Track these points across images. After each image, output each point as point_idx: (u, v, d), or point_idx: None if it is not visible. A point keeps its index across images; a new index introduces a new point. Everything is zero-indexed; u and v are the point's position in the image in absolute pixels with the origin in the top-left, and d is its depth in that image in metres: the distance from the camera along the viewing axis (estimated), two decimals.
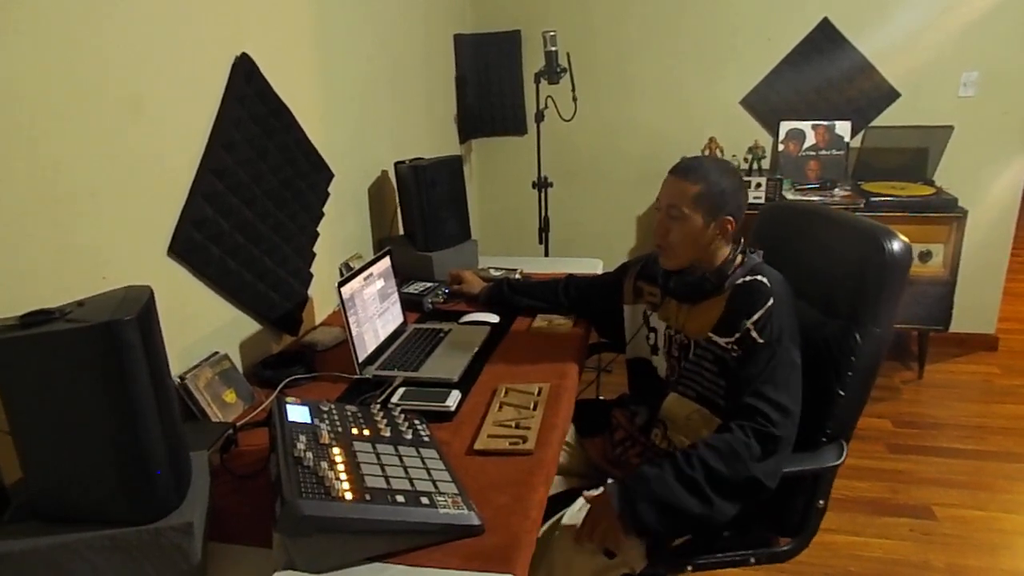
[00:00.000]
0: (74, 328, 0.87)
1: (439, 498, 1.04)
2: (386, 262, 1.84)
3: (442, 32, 3.11)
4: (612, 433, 1.63)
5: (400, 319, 1.86)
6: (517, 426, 1.33)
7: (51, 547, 0.90)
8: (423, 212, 2.23)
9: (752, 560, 1.45)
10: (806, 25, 3.19)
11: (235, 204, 1.61)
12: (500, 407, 1.41)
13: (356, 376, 1.58)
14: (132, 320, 0.89)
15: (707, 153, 3.35)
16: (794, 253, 1.56)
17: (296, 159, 1.85)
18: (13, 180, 1.10)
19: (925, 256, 2.96)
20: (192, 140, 1.50)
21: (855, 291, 1.38)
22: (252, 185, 1.67)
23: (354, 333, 1.58)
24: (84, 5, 1.21)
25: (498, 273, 2.21)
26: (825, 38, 3.18)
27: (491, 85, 3.50)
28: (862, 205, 2.97)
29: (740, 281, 1.38)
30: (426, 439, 1.25)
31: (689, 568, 1.41)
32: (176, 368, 1.40)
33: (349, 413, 1.25)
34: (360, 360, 1.59)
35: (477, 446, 1.27)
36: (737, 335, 1.34)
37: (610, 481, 1.31)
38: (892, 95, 3.19)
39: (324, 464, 1.01)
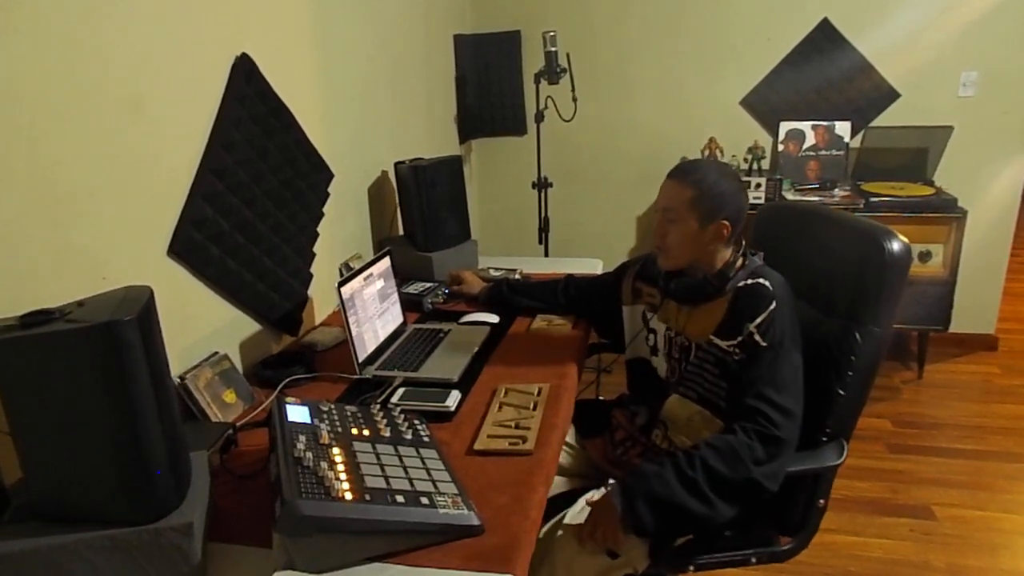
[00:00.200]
0: (74, 328, 0.87)
1: (439, 498, 1.04)
2: (386, 262, 1.84)
3: (442, 32, 3.11)
4: (612, 433, 1.63)
5: (400, 319, 1.86)
6: (517, 426, 1.33)
7: (51, 547, 0.90)
8: (423, 212, 2.23)
9: (753, 560, 1.45)
10: (806, 25, 3.19)
11: (235, 204, 1.61)
12: (500, 407, 1.41)
13: (356, 376, 1.58)
14: (132, 320, 0.89)
15: (707, 153, 3.35)
16: (794, 253, 1.56)
17: (296, 159, 1.85)
18: (13, 180, 1.10)
19: (925, 256, 2.96)
20: (192, 140, 1.50)
21: (855, 291, 1.39)
22: (252, 185, 1.67)
23: (354, 333, 1.58)
24: (84, 5, 1.21)
25: (498, 273, 2.21)
26: (825, 38, 3.18)
27: (491, 85, 3.50)
28: (862, 205, 2.97)
29: (742, 284, 1.38)
30: (426, 439, 1.25)
31: (691, 568, 1.41)
32: (176, 368, 1.40)
33: (349, 413, 1.25)
34: (360, 360, 1.59)
35: (477, 446, 1.27)
36: (739, 338, 1.34)
37: (612, 482, 1.31)
38: (892, 95, 3.20)
39: (324, 464, 1.01)
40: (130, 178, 1.33)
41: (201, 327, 1.56)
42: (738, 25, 3.26)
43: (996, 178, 3.18)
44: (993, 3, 2.98)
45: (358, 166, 2.28)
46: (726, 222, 1.39)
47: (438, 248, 2.26)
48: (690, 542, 1.42)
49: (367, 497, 0.98)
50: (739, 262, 1.42)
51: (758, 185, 3.12)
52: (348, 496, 0.97)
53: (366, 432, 1.19)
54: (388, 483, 1.04)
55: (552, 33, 2.81)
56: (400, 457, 1.14)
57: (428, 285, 2.15)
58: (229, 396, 1.48)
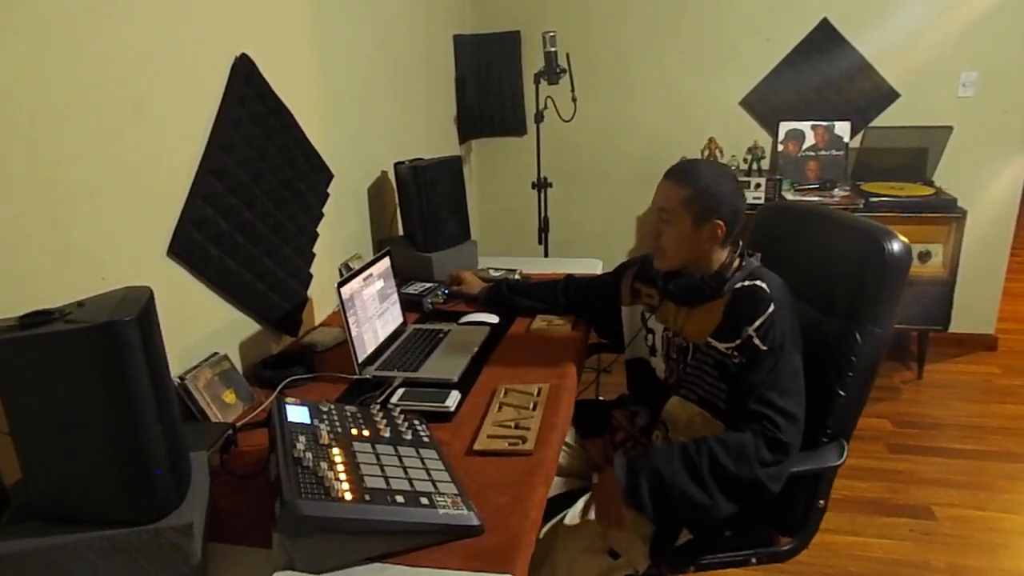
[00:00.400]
0: (74, 329, 0.87)
1: (438, 498, 1.04)
2: (386, 262, 1.84)
3: (442, 32, 3.11)
4: (613, 434, 1.63)
5: (400, 319, 1.86)
6: (517, 426, 1.33)
7: (51, 548, 0.90)
8: (423, 212, 2.23)
9: (753, 560, 1.45)
10: (806, 25, 3.20)
11: (235, 205, 1.61)
12: (499, 407, 1.41)
13: (356, 376, 1.58)
14: (132, 321, 0.89)
15: (706, 153, 3.35)
16: (793, 253, 1.56)
17: (296, 159, 1.85)
18: (13, 180, 1.10)
19: (924, 256, 2.96)
20: (192, 140, 1.50)
21: (855, 291, 1.39)
22: (252, 186, 1.67)
23: (354, 333, 1.58)
24: (84, 5, 1.21)
25: (497, 274, 2.22)
26: (824, 38, 3.19)
27: (491, 85, 3.50)
28: (861, 205, 2.97)
29: (739, 286, 1.38)
30: (426, 439, 1.25)
31: (691, 568, 1.42)
32: (176, 369, 1.40)
33: (349, 413, 1.25)
34: (360, 360, 1.59)
35: (477, 446, 1.27)
36: (738, 341, 1.33)
37: (619, 455, 1.32)
38: (891, 95, 3.20)
39: (324, 464, 1.01)
40: (130, 178, 1.33)
41: (201, 327, 1.56)
42: (738, 25, 3.26)
43: (996, 178, 3.19)
44: (993, 3, 2.99)
45: (358, 166, 2.28)
46: (720, 222, 1.38)
47: (438, 248, 2.26)
48: (690, 542, 1.42)
49: (367, 497, 0.98)
50: (736, 263, 1.41)
51: (758, 185, 3.12)
52: (348, 496, 0.97)
53: (366, 432, 1.19)
54: (388, 483, 1.04)
55: (552, 33, 2.81)
56: (400, 457, 1.14)
57: (428, 285, 2.15)
58: (229, 396, 1.48)
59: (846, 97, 3.24)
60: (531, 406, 1.41)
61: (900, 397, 3.06)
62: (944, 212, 2.93)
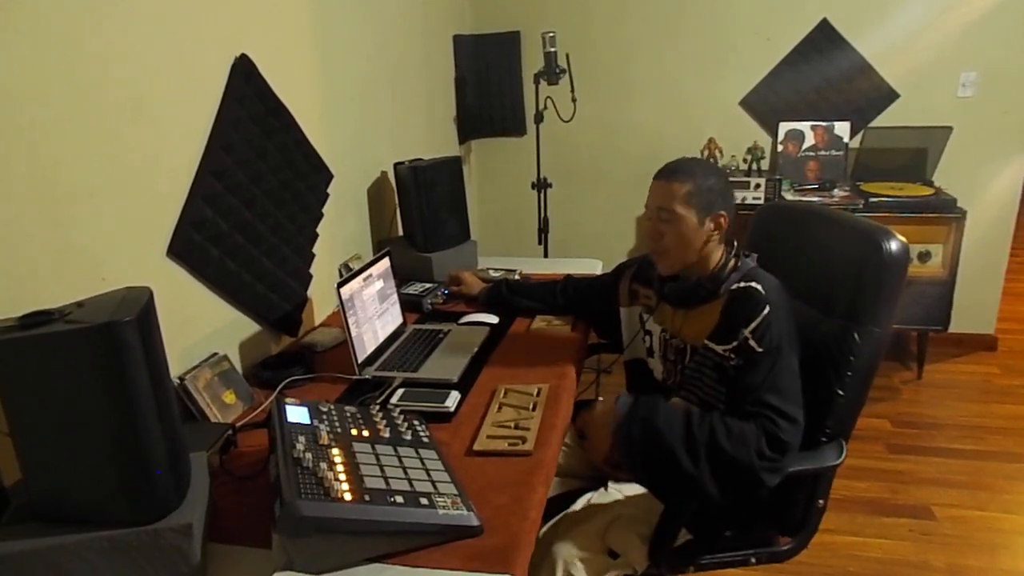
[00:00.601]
0: (73, 329, 0.87)
1: (438, 499, 1.04)
2: (385, 263, 1.84)
3: (441, 33, 3.12)
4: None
5: (399, 320, 1.86)
6: (516, 427, 1.33)
7: (51, 548, 0.90)
8: (422, 213, 2.23)
9: (753, 560, 1.45)
10: (805, 25, 3.20)
11: (234, 205, 1.61)
12: (499, 408, 1.41)
13: (355, 377, 1.58)
14: (132, 321, 0.89)
15: (706, 154, 3.36)
16: (792, 253, 1.57)
17: (295, 160, 1.85)
18: (13, 180, 1.10)
19: (924, 256, 2.96)
20: (191, 141, 1.50)
21: (854, 291, 1.38)
22: (251, 186, 1.67)
23: (353, 334, 1.58)
24: (84, 5, 1.21)
25: (497, 274, 2.22)
26: (824, 39, 3.19)
27: (490, 86, 3.50)
28: (861, 205, 2.97)
29: (735, 287, 1.37)
30: (425, 440, 1.25)
31: (691, 568, 1.41)
32: (175, 369, 1.40)
33: (348, 414, 1.25)
34: (359, 361, 1.59)
35: (476, 447, 1.27)
36: (735, 343, 1.33)
37: (623, 397, 1.34)
38: (891, 95, 3.20)
39: (323, 465, 1.01)
40: (130, 178, 1.34)
41: (201, 328, 1.56)
42: (738, 25, 3.26)
43: (995, 178, 3.19)
44: (992, 3, 2.99)
45: (357, 167, 2.28)
46: (723, 212, 1.40)
47: (437, 249, 2.26)
48: (690, 542, 1.42)
49: (366, 498, 0.98)
50: (731, 263, 1.41)
51: (757, 185, 3.12)
52: (347, 497, 0.97)
53: (365, 433, 1.19)
54: (387, 484, 1.04)
55: (551, 34, 2.81)
56: (399, 458, 1.14)
57: (427, 286, 2.15)
58: (228, 397, 1.48)
59: (846, 97, 3.24)
60: (531, 406, 1.41)
61: (900, 397, 3.06)
62: (944, 212, 2.93)
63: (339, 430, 1.17)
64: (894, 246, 1.35)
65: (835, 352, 1.38)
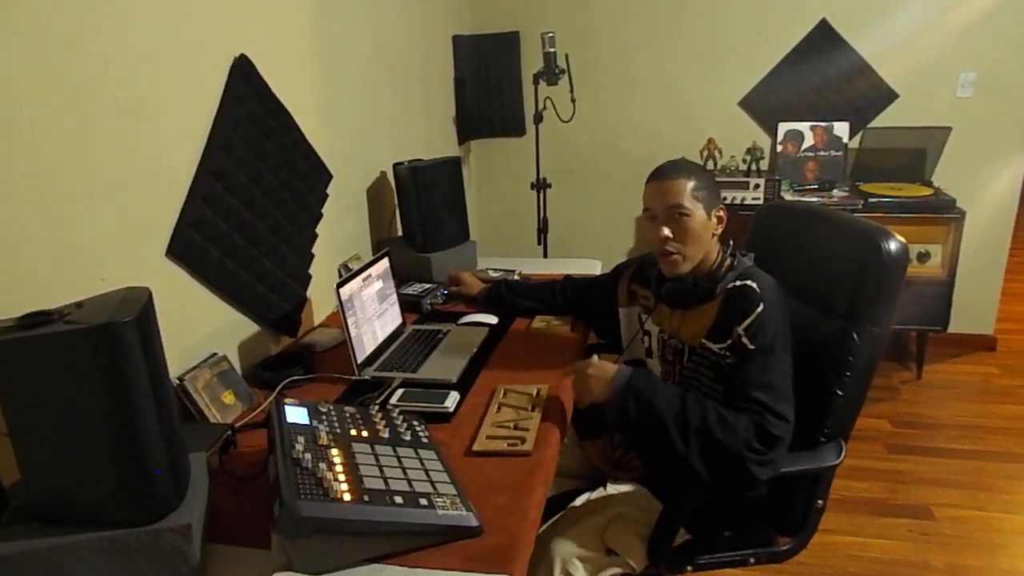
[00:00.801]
0: (73, 330, 0.87)
1: (437, 499, 1.04)
2: (385, 263, 1.84)
3: (441, 33, 3.12)
4: (612, 435, 1.63)
5: (399, 320, 1.86)
6: (516, 427, 1.33)
7: (50, 549, 0.90)
8: (422, 213, 2.23)
9: (752, 560, 1.45)
10: (805, 26, 3.20)
11: (234, 205, 1.61)
12: (499, 408, 1.41)
13: (355, 377, 1.58)
14: (131, 321, 0.89)
15: (705, 154, 3.36)
16: (792, 253, 1.57)
17: (295, 160, 1.85)
18: (13, 180, 1.10)
19: (923, 257, 2.97)
20: (191, 141, 1.50)
21: (853, 291, 1.39)
22: (251, 186, 1.67)
23: (353, 334, 1.58)
24: (84, 5, 1.21)
25: (496, 274, 2.22)
26: (824, 39, 3.19)
27: (490, 86, 3.51)
28: (860, 206, 2.97)
29: (731, 286, 1.38)
30: (424, 440, 1.25)
31: (689, 568, 1.42)
32: (175, 369, 1.40)
33: (348, 414, 1.25)
34: (359, 361, 1.59)
35: (476, 447, 1.27)
36: (729, 341, 1.33)
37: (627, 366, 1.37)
38: (890, 96, 3.20)
39: (322, 465, 1.01)
40: (129, 179, 1.34)
41: (200, 328, 1.56)
42: (737, 26, 3.26)
43: (994, 178, 3.19)
44: (992, 4, 2.99)
45: (357, 167, 2.28)
46: (722, 208, 1.43)
47: (437, 249, 2.26)
48: (689, 542, 1.42)
49: (366, 498, 0.98)
50: (728, 262, 1.42)
51: (756, 186, 3.12)
52: (347, 497, 0.97)
53: (365, 433, 1.19)
54: (387, 484, 1.04)
55: (551, 34, 2.81)
56: (399, 458, 1.14)
57: (427, 286, 2.15)
58: (228, 397, 1.48)
59: (845, 97, 3.24)
60: (530, 407, 1.41)
61: (899, 397, 3.06)
62: (943, 212, 2.93)
63: (338, 430, 1.16)
64: (893, 246, 1.35)
65: (834, 352, 1.38)
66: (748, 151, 3.32)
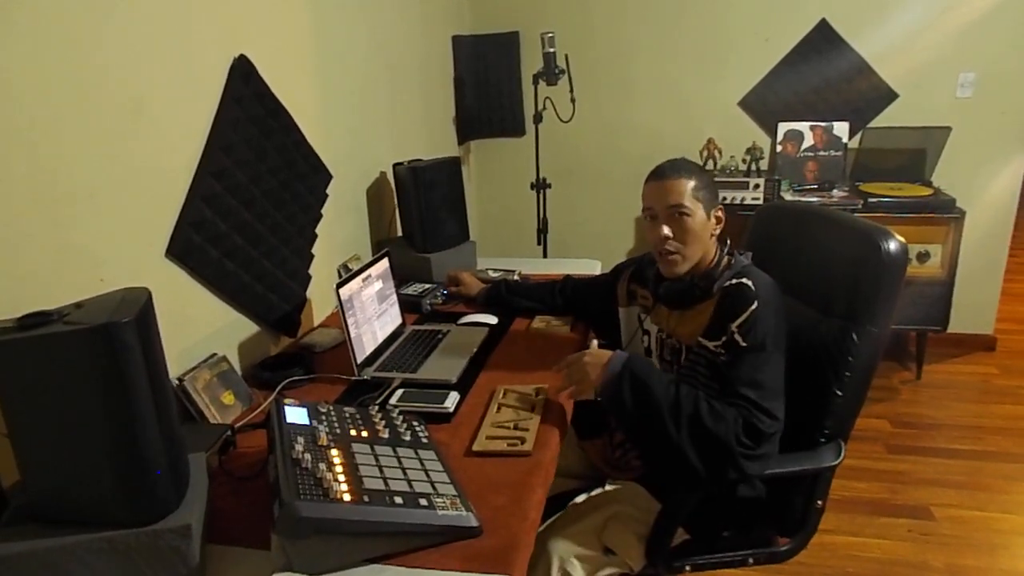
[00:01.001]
0: (72, 330, 0.87)
1: (437, 499, 1.04)
2: (384, 263, 1.84)
3: (440, 33, 3.12)
4: (612, 435, 1.63)
5: (398, 320, 1.86)
6: (515, 427, 1.33)
7: (49, 549, 0.90)
8: (421, 213, 2.23)
9: (751, 560, 1.45)
10: (804, 26, 3.20)
11: (233, 206, 1.61)
12: (498, 408, 1.42)
13: (354, 377, 1.58)
14: (130, 322, 0.89)
15: (705, 154, 3.36)
16: (791, 253, 1.57)
17: (294, 161, 1.85)
18: (13, 180, 1.10)
19: (923, 257, 2.97)
20: (190, 141, 1.50)
21: (852, 291, 1.39)
22: (250, 187, 1.67)
23: (352, 335, 1.58)
24: (84, 5, 1.21)
25: (496, 274, 2.22)
26: (823, 39, 3.19)
27: (489, 86, 3.51)
28: (860, 206, 2.97)
29: (727, 284, 1.38)
30: (424, 440, 1.25)
31: (688, 568, 1.41)
32: (174, 370, 1.40)
33: (347, 414, 1.25)
34: (358, 361, 1.59)
35: (475, 447, 1.27)
36: (724, 338, 1.33)
37: (622, 353, 1.37)
38: (890, 96, 3.20)
39: (322, 466, 1.01)
40: (129, 179, 1.34)
41: (199, 329, 1.56)
42: (737, 26, 3.26)
43: (994, 179, 3.19)
44: (991, 4, 2.99)
45: (357, 167, 2.28)
46: (721, 207, 1.44)
47: (437, 249, 2.26)
48: (687, 542, 1.42)
49: (365, 498, 0.98)
50: (725, 261, 1.42)
51: (756, 186, 3.12)
52: (346, 497, 0.97)
53: (364, 433, 1.19)
54: (386, 484, 1.04)
55: (550, 34, 2.81)
56: (398, 458, 1.14)
57: (427, 286, 2.15)
58: (227, 398, 1.48)
59: (845, 98, 3.24)
60: (530, 407, 1.41)
61: (899, 397, 3.06)
62: (943, 213, 2.93)
63: (338, 431, 1.16)
64: (893, 246, 1.35)
65: (834, 352, 1.38)
66: (748, 151, 3.32)
